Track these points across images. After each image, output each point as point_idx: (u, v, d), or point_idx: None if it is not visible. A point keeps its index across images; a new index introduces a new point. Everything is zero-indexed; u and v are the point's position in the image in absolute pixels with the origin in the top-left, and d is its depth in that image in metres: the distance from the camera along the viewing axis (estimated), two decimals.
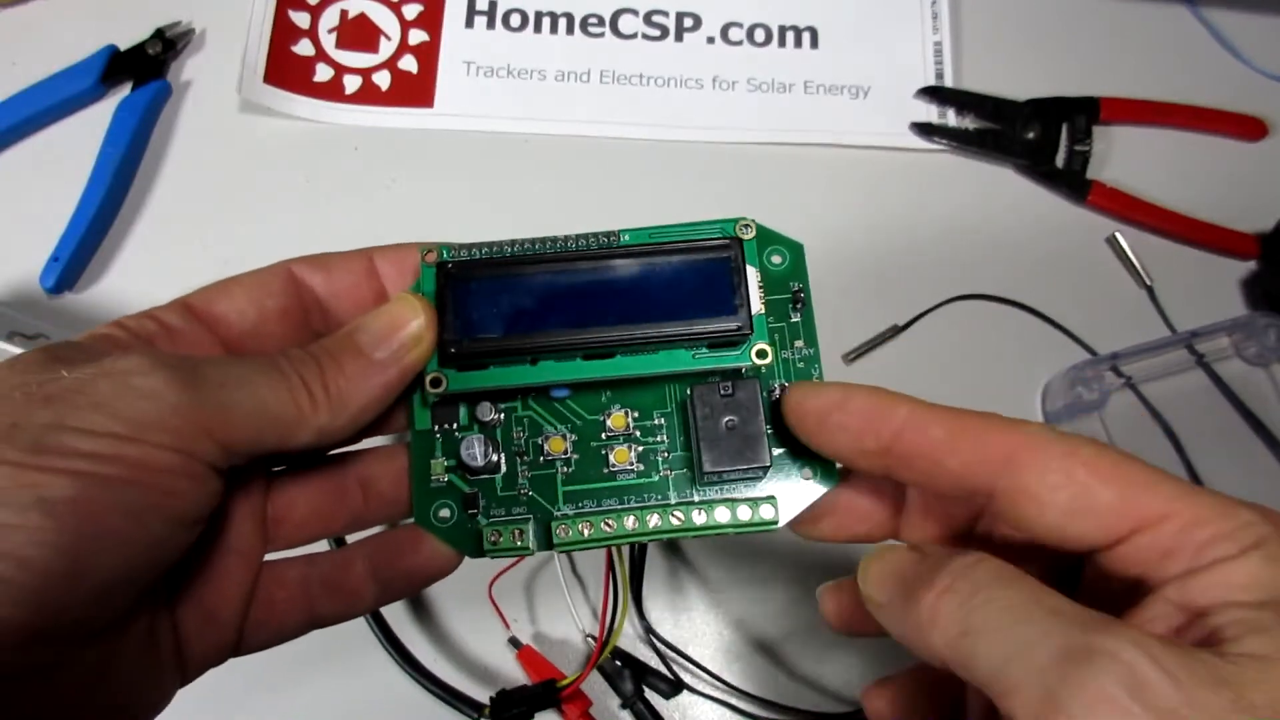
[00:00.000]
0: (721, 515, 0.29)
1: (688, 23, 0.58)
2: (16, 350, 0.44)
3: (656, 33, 0.58)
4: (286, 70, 0.56)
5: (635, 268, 0.28)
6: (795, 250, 0.30)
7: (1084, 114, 0.55)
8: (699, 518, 0.29)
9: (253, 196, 0.54)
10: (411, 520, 0.30)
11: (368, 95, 0.56)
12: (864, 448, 0.26)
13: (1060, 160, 0.55)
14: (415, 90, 0.56)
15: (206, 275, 0.54)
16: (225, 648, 0.29)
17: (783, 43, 0.58)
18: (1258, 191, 0.55)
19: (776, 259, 0.30)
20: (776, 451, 0.29)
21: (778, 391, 0.30)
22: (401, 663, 0.45)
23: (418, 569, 0.30)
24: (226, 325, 0.29)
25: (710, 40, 0.58)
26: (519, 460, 0.30)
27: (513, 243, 0.29)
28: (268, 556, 0.30)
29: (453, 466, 0.30)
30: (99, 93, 0.55)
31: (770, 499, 0.29)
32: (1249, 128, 0.56)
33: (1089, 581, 0.25)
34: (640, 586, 0.46)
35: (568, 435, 0.30)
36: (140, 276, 0.53)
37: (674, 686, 0.45)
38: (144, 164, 0.55)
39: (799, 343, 0.30)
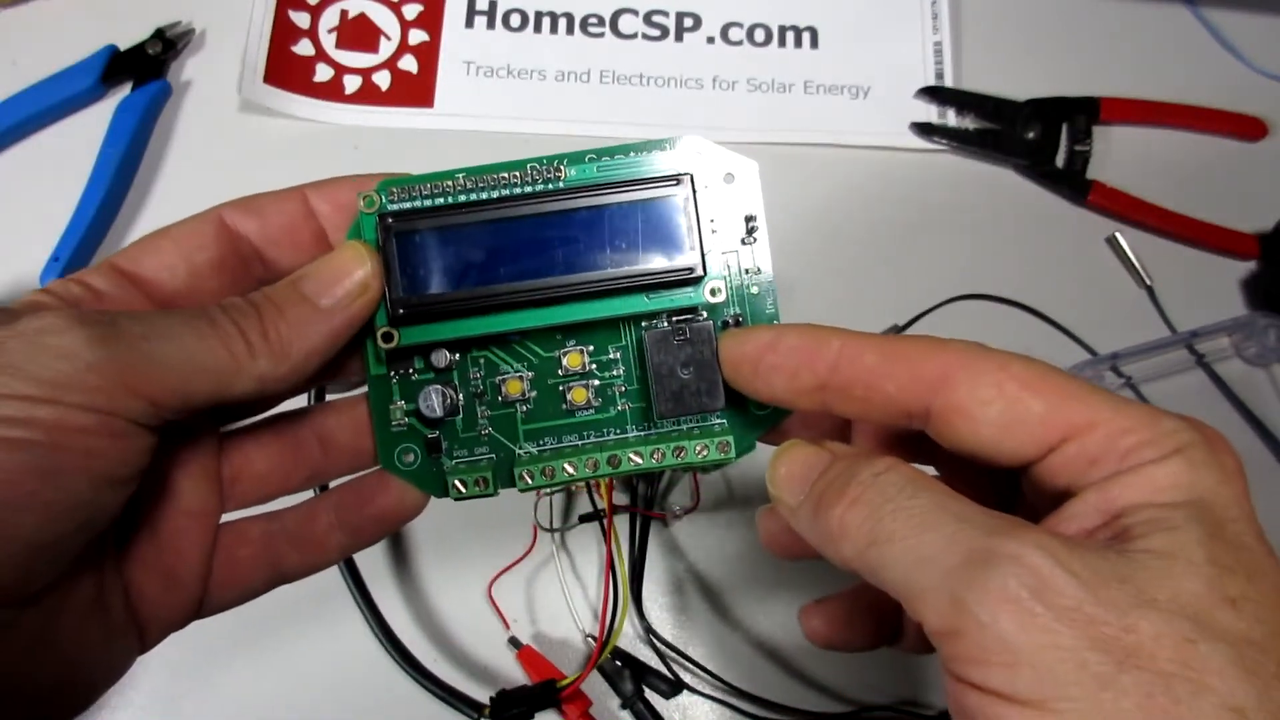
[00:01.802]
0: (679, 452, 0.29)
1: (688, 23, 0.58)
2: None
3: (656, 33, 0.58)
4: (286, 70, 0.56)
5: (584, 209, 0.28)
6: (748, 171, 0.29)
7: (1084, 114, 0.55)
8: (658, 456, 0.29)
9: None
10: (377, 467, 0.30)
11: (368, 95, 0.56)
12: (801, 386, 0.25)
13: (1060, 160, 0.55)
14: (415, 90, 0.56)
15: None
16: (188, 609, 0.29)
17: (783, 43, 0.58)
18: (1258, 191, 0.55)
19: (729, 182, 0.29)
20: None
21: (734, 323, 0.29)
22: (402, 663, 0.45)
23: (387, 513, 0.30)
24: (158, 284, 0.28)
25: (710, 40, 0.58)
26: (478, 401, 0.30)
27: (453, 176, 0.28)
28: (230, 516, 0.30)
29: (412, 410, 0.29)
30: (99, 93, 0.55)
31: (726, 433, 0.29)
32: (1249, 128, 0.56)
33: (1027, 498, 0.25)
34: (640, 586, 0.46)
35: (525, 375, 0.30)
36: None
37: (674, 686, 0.45)
38: (144, 164, 0.55)
39: (754, 271, 0.29)
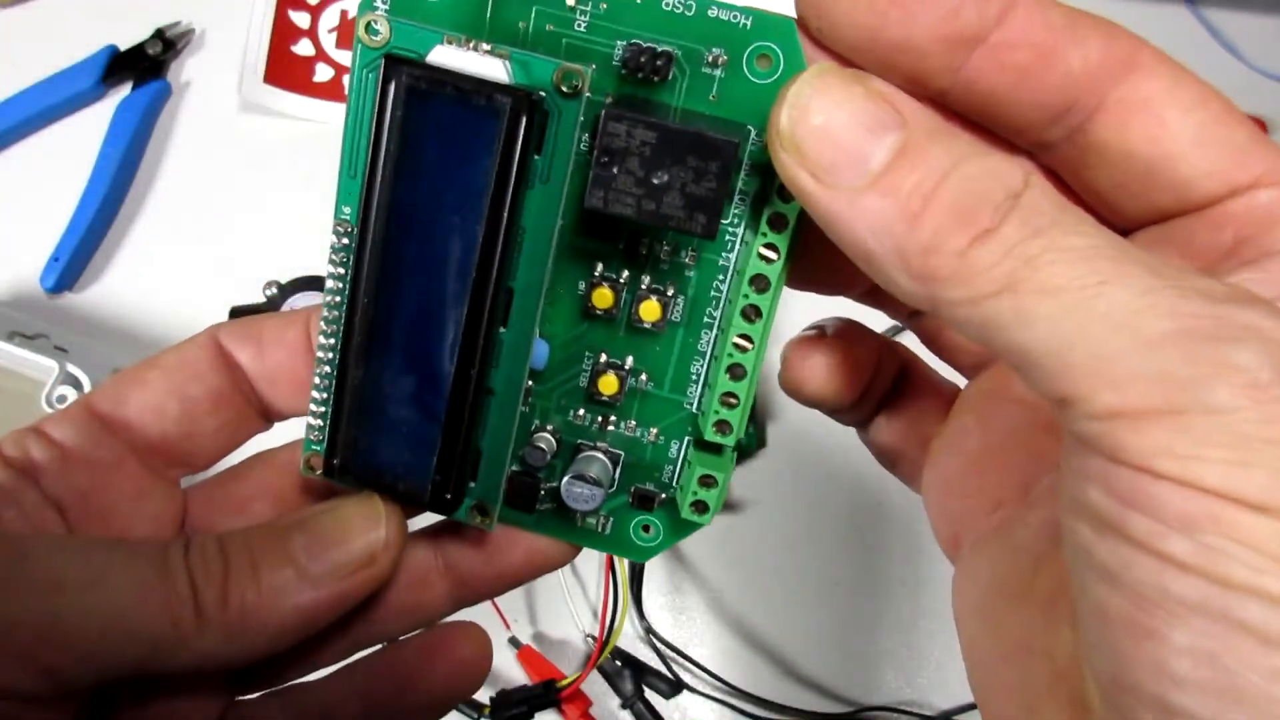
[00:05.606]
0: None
1: None
2: (17, 350, 0.44)
3: None
4: (286, 70, 0.56)
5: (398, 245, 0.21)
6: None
7: None
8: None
9: (252, 196, 0.54)
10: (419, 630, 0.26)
11: None
12: (956, 29, 0.18)
13: None
14: None
15: (205, 275, 0.54)
16: None
17: None
18: None
19: None
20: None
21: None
22: None
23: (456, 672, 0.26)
24: (142, 429, 0.23)
25: None
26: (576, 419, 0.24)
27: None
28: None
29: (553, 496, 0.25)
30: (99, 93, 0.55)
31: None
32: None
33: None
34: (640, 586, 0.46)
35: (616, 374, 0.23)
36: (140, 276, 0.53)
37: (674, 686, 0.45)
38: (144, 164, 0.55)
39: None
